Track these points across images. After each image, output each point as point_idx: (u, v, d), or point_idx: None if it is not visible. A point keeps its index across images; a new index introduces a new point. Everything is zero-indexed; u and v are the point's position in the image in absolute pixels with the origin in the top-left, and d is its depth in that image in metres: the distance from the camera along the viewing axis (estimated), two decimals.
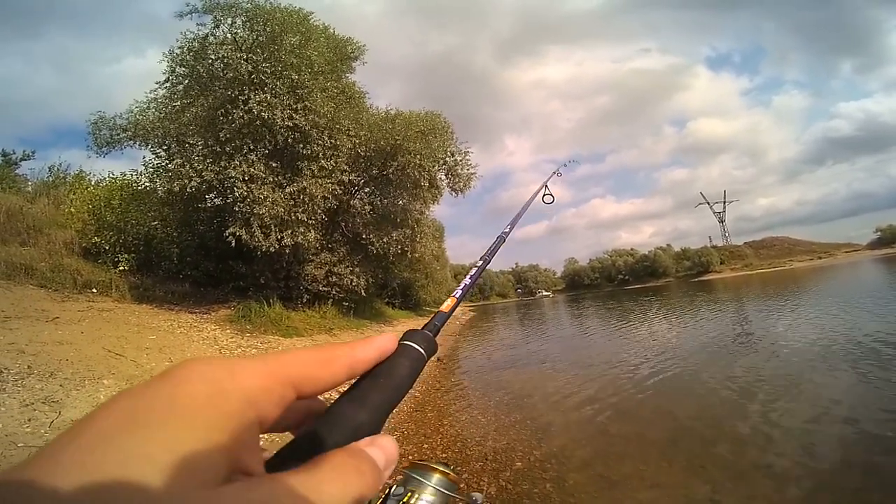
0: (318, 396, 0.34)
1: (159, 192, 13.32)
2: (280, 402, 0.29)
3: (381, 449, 0.30)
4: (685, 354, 8.52)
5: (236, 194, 12.13)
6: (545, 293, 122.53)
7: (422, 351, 0.40)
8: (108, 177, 15.92)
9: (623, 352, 9.86)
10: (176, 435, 0.22)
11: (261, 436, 0.28)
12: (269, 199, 12.30)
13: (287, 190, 12.92)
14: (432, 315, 0.49)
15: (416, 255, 18.12)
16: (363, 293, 16.71)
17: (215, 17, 13.11)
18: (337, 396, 0.35)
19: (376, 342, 0.37)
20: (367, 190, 17.93)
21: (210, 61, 13.11)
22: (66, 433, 0.22)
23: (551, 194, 1.72)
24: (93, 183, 16.33)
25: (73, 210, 13.47)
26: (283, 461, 0.29)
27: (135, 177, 14.90)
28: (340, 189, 14.64)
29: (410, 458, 4.58)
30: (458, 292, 0.59)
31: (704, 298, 25.20)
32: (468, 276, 0.67)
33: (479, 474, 4.02)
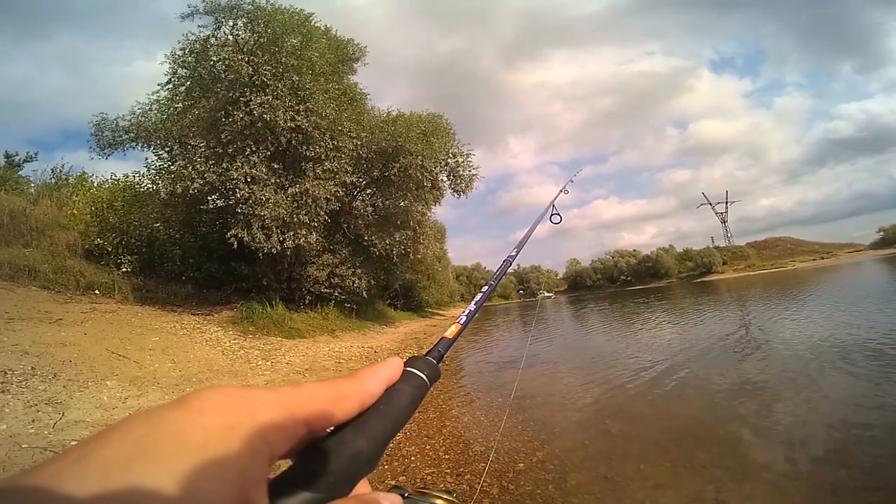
0: None
1: (161, 193, 13.36)
2: (292, 438, 0.29)
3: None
4: (688, 355, 8.50)
5: (238, 196, 12.16)
6: (547, 294, 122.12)
7: (424, 378, 0.40)
8: (111, 178, 16.00)
9: (625, 353, 9.84)
10: (185, 469, 0.22)
11: None
12: (270, 200, 12.33)
13: (289, 191, 12.96)
14: (436, 342, 0.49)
15: (419, 256, 18.15)
16: (365, 294, 16.74)
17: (216, 18, 13.15)
18: None
19: (383, 372, 0.37)
20: (368, 191, 17.96)
21: (211, 63, 13.15)
22: (74, 452, 0.21)
23: (559, 213, 1.69)
24: (95, 184, 16.40)
25: (75, 212, 13.52)
26: (283, 488, 0.29)
27: (137, 178, 14.96)
28: (342, 191, 14.67)
29: (413, 466, 4.60)
30: (463, 318, 0.59)
31: (707, 299, 25.15)
32: (474, 302, 0.67)
33: (481, 475, 4.02)
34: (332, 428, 0.33)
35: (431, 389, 0.41)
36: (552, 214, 1.68)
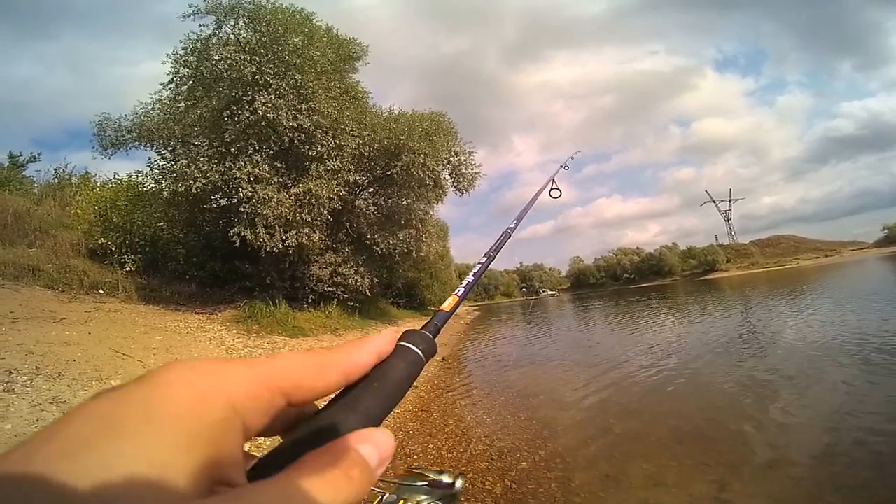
0: None
1: (165, 192, 13.39)
2: (268, 410, 0.27)
3: (375, 446, 0.28)
4: (691, 353, 8.49)
5: (241, 195, 12.17)
6: (550, 292, 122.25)
7: (419, 353, 0.38)
8: (114, 178, 16.03)
9: (628, 351, 9.84)
10: (155, 445, 0.21)
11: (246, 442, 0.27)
12: (273, 199, 12.34)
13: (292, 191, 12.97)
14: (432, 315, 0.47)
15: (421, 254, 18.12)
16: (368, 293, 16.73)
17: (218, 17, 13.16)
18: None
19: (373, 344, 0.34)
20: (371, 190, 17.95)
21: (213, 62, 13.15)
22: (40, 434, 0.21)
23: (558, 188, 1.68)
24: (98, 184, 16.44)
25: (79, 211, 13.55)
26: (267, 468, 0.27)
27: (140, 178, 14.99)
28: (345, 189, 14.67)
29: (409, 462, 4.61)
30: (461, 290, 0.57)
31: (711, 297, 25.11)
32: (472, 274, 0.65)
33: (485, 474, 4.03)
34: (322, 406, 0.32)
35: (434, 362, 0.39)
36: (551, 189, 1.66)
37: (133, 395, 0.23)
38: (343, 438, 0.28)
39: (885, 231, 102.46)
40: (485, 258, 0.72)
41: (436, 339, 0.42)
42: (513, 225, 1.02)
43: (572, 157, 2.22)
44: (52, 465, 0.19)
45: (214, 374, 0.26)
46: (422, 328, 0.42)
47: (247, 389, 0.26)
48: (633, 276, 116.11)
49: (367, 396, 0.32)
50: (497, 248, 0.82)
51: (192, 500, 0.21)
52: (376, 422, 0.31)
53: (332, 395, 0.32)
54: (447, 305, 0.51)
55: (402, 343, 0.38)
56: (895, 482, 3.16)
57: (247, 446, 0.28)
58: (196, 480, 0.21)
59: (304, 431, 0.30)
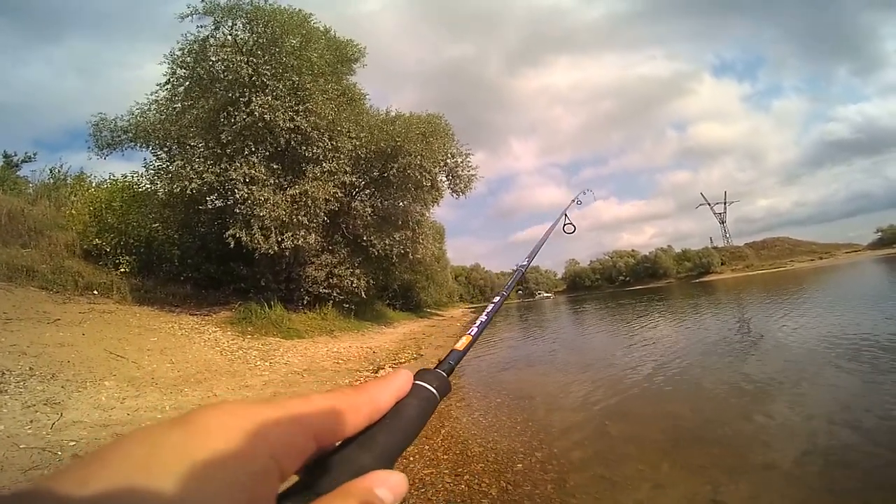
0: None
1: (160, 193, 13.37)
2: (302, 455, 0.28)
3: (391, 489, 0.29)
4: (686, 355, 8.51)
5: (237, 196, 12.16)
6: (546, 294, 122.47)
7: (434, 391, 0.39)
8: (109, 178, 15.98)
9: (624, 353, 9.85)
10: (192, 491, 0.21)
11: None
12: (269, 201, 12.33)
13: (288, 192, 12.96)
14: (446, 354, 0.49)
15: (417, 256, 18.14)
16: (364, 295, 16.73)
17: (216, 18, 13.14)
18: None
19: (394, 385, 0.36)
20: (367, 192, 17.95)
21: (210, 63, 13.15)
22: (73, 472, 0.20)
23: (572, 223, 1.66)
24: (93, 185, 16.39)
25: (74, 212, 13.51)
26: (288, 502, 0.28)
27: (135, 178, 14.95)
28: (341, 191, 14.67)
29: (411, 467, 4.60)
30: (474, 330, 0.59)
31: (705, 299, 25.19)
32: (485, 313, 0.67)
33: (481, 476, 4.02)
34: (339, 442, 0.33)
35: (441, 403, 0.41)
36: (565, 224, 1.66)
37: (170, 438, 0.23)
38: (362, 479, 0.29)
39: (879, 233, 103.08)
40: (497, 297, 0.75)
41: (450, 378, 0.44)
42: (525, 263, 1.07)
43: (584, 193, 2.20)
44: None
45: (254, 422, 0.26)
46: (436, 367, 0.44)
47: (286, 439, 0.27)
48: (628, 278, 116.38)
49: (382, 434, 0.33)
50: (510, 287, 0.86)
51: None
52: (391, 460, 0.33)
53: None
54: (461, 345, 0.53)
55: (418, 382, 0.39)
56: (891, 484, 3.17)
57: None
58: None
59: (322, 469, 0.30)
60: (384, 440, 0.33)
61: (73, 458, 3.71)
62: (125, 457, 0.21)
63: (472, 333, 0.57)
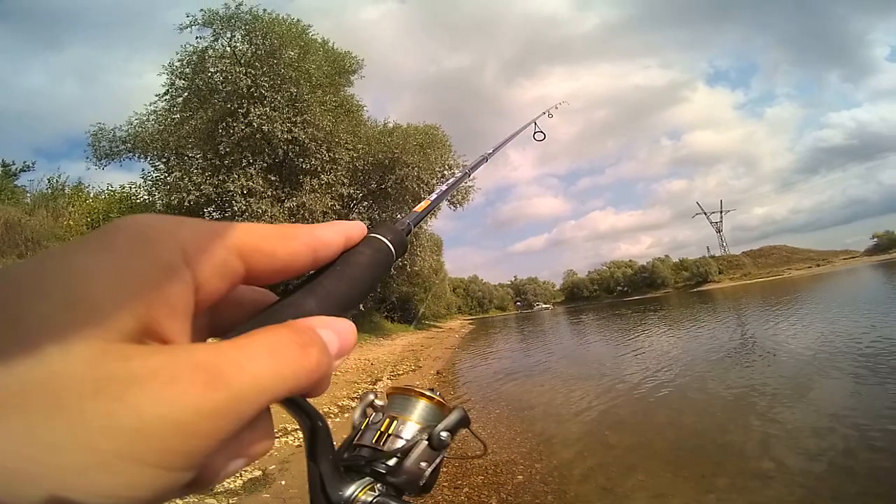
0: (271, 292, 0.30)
1: (158, 205, 13.38)
2: (224, 271, 0.24)
3: (337, 333, 0.25)
4: (685, 365, 8.49)
5: (235, 208, 12.16)
6: (544, 306, 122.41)
7: (388, 243, 0.35)
8: (107, 189, 15.98)
9: (623, 363, 9.83)
10: (83, 277, 0.19)
11: None
12: (267, 213, 12.33)
13: (286, 205, 12.96)
14: (406, 214, 0.48)
15: (415, 268, 18.13)
16: (361, 307, 16.66)
17: (215, 30, 13.24)
18: None
19: (342, 227, 0.31)
20: (365, 204, 17.97)
21: (209, 74, 13.21)
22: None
23: (542, 131, 1.68)
24: (91, 195, 16.38)
25: (71, 223, 13.48)
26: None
27: (133, 189, 14.95)
28: (339, 203, 14.68)
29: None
30: (433, 196, 0.58)
31: (704, 309, 25.18)
32: (446, 184, 0.67)
33: (480, 488, 3.98)
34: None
35: (397, 261, 0.37)
36: (535, 132, 1.66)
37: (89, 236, 0.21)
38: (302, 319, 0.25)
39: (875, 240, 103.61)
40: (460, 172, 0.76)
41: (408, 238, 0.39)
42: (490, 151, 1.07)
43: (556, 107, 2.19)
44: None
45: (171, 222, 0.23)
46: (394, 224, 0.39)
47: (200, 240, 0.23)
48: (626, 288, 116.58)
49: (330, 281, 0.30)
50: (473, 168, 0.91)
51: (112, 339, 0.18)
52: (341, 308, 0.29)
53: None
54: (420, 207, 0.52)
55: (372, 234, 0.35)
56: (890, 490, 3.15)
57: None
58: (120, 322, 0.19)
59: (261, 314, 0.27)
60: (332, 286, 0.30)
61: None
62: (45, 255, 0.20)
63: (431, 199, 0.57)
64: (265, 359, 0.20)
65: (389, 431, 0.46)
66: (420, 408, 0.49)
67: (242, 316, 0.27)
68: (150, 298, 0.20)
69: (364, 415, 0.48)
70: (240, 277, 0.25)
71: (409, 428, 0.47)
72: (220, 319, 0.27)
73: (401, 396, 0.50)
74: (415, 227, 0.44)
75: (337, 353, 0.25)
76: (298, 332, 0.23)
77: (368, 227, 0.35)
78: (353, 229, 0.32)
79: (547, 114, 1.93)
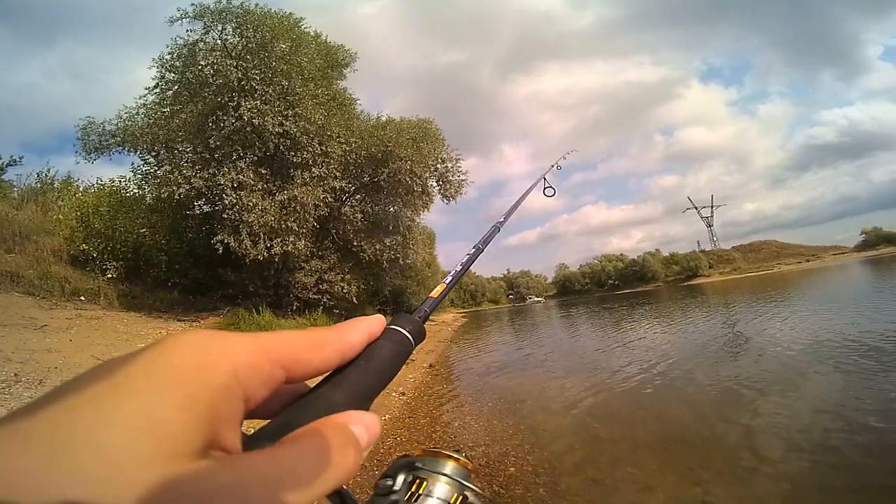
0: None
1: (148, 198, 13.27)
2: (268, 381, 0.28)
3: (366, 427, 0.29)
4: (674, 358, 8.57)
5: (225, 202, 12.08)
6: (536, 299, 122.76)
7: (407, 335, 0.38)
8: (97, 183, 15.82)
9: (614, 356, 9.91)
10: (154, 402, 0.22)
11: (244, 421, 0.28)
12: (258, 206, 12.26)
13: (277, 198, 12.89)
14: (422, 301, 0.48)
15: (408, 261, 18.13)
16: (354, 300, 16.65)
17: (205, 22, 13.09)
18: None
19: (364, 325, 0.35)
20: (358, 197, 17.91)
21: (200, 67, 13.08)
22: (47, 393, 0.22)
23: (552, 186, 1.62)
24: (81, 189, 16.22)
25: (60, 217, 13.34)
26: (258, 442, 0.28)
27: (123, 183, 14.81)
28: (331, 196, 14.62)
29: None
30: (449, 279, 0.59)
31: (693, 302, 25.38)
32: (459, 264, 0.67)
33: (472, 480, 4.02)
34: (314, 386, 0.33)
35: (416, 349, 0.40)
36: (545, 187, 1.61)
37: (139, 358, 0.24)
38: (336, 416, 0.29)
39: (864, 236, 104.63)
40: (473, 249, 0.74)
41: (425, 325, 0.42)
42: (501, 220, 1.04)
43: (564, 157, 2.17)
44: (55, 418, 0.20)
45: (220, 343, 0.26)
46: (412, 313, 0.42)
47: (250, 359, 0.27)
48: (617, 282, 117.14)
49: (356, 374, 0.33)
50: (485, 241, 0.84)
51: (185, 459, 0.21)
52: (365, 399, 0.33)
53: (324, 375, 0.33)
54: (435, 292, 0.52)
55: (392, 326, 0.38)
56: (877, 484, 3.21)
57: (246, 424, 0.28)
58: (191, 441, 0.22)
59: (295, 406, 0.31)
60: (356, 379, 0.33)
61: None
62: (97, 376, 0.22)
63: (447, 282, 0.57)
64: (315, 466, 0.24)
65: (420, 492, 0.50)
66: (449, 469, 0.53)
67: (276, 402, 0.31)
68: (213, 418, 0.23)
69: (402, 479, 0.52)
70: (281, 383, 0.29)
71: (439, 489, 0.51)
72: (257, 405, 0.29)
73: (430, 458, 0.53)
74: (431, 312, 0.47)
75: (366, 445, 0.28)
76: (337, 434, 0.27)
77: (388, 320, 0.39)
78: (375, 325, 0.36)
79: (556, 166, 1.89)
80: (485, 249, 0.80)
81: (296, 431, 0.27)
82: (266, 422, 0.30)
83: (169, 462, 0.20)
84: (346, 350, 0.33)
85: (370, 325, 0.36)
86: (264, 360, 0.27)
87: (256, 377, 0.27)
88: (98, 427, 0.20)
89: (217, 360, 0.25)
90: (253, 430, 0.30)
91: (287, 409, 0.31)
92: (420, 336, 0.40)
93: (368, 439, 0.29)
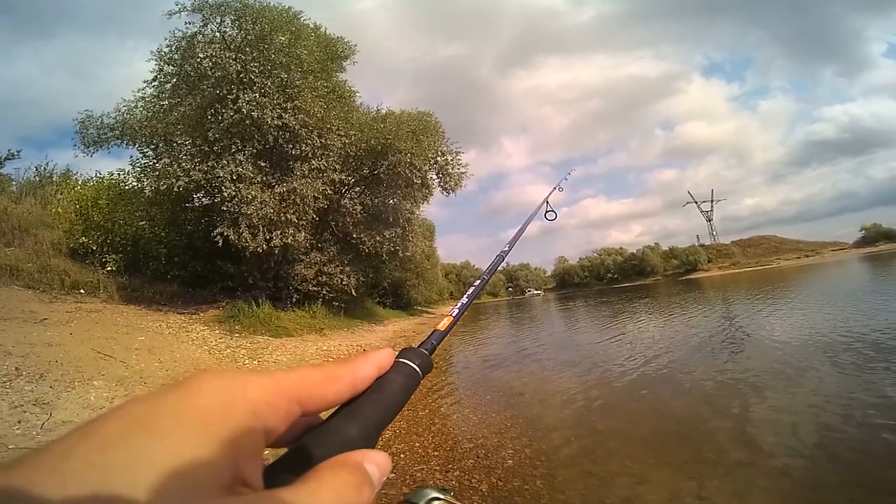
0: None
1: (147, 191, 13.29)
2: (286, 417, 0.30)
3: (377, 465, 0.31)
4: (672, 352, 8.60)
5: (224, 194, 12.08)
6: (536, 292, 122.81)
7: (416, 368, 0.41)
8: (96, 176, 15.80)
9: (612, 350, 9.94)
10: (183, 442, 0.24)
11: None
12: (257, 199, 12.26)
13: (276, 190, 12.89)
14: (429, 334, 0.50)
15: (408, 254, 18.15)
16: (354, 293, 16.70)
17: (204, 15, 13.04)
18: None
19: (375, 359, 0.38)
20: (357, 189, 17.91)
21: (198, 60, 13.04)
22: (75, 431, 0.23)
23: (553, 210, 1.65)
24: (80, 182, 16.20)
25: (60, 210, 13.35)
26: (277, 473, 0.30)
27: (122, 176, 14.80)
28: (330, 189, 14.62)
29: (402, 464, 4.64)
30: (455, 311, 0.61)
31: (692, 297, 25.42)
32: (466, 296, 0.67)
33: (471, 472, 4.06)
34: (325, 417, 0.35)
35: (423, 380, 0.43)
36: (546, 211, 1.64)
37: (166, 398, 0.26)
38: (352, 454, 0.31)
39: (863, 232, 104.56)
40: (478, 281, 0.74)
41: (432, 356, 0.45)
42: (506, 249, 1.06)
43: (566, 178, 2.16)
44: (89, 458, 0.22)
45: (241, 383, 0.29)
46: (419, 346, 0.45)
47: (268, 398, 0.29)
48: (616, 275, 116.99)
49: (367, 406, 0.36)
50: (490, 272, 0.85)
51: (214, 497, 0.23)
52: (376, 431, 0.35)
53: (337, 407, 0.36)
54: (442, 325, 0.54)
55: (401, 359, 0.41)
56: (871, 479, 3.25)
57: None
58: (218, 478, 0.24)
59: (311, 439, 0.33)
60: (368, 412, 0.35)
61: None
62: (126, 413, 0.24)
63: (454, 315, 0.59)
64: (333, 500, 0.27)
65: None
66: None
67: (291, 432, 0.33)
68: (237, 455, 0.25)
69: None
70: (296, 417, 0.31)
71: None
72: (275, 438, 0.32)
73: (418, 494, 0.57)
74: (438, 344, 0.49)
75: (377, 482, 0.31)
76: (353, 472, 0.29)
77: (398, 354, 0.42)
78: (385, 358, 0.39)
79: (558, 188, 1.90)
80: (489, 279, 0.81)
81: (315, 468, 0.29)
82: (281, 450, 0.33)
83: (200, 500, 0.22)
84: (358, 384, 0.36)
85: (380, 359, 0.39)
86: (281, 398, 0.30)
87: (275, 414, 0.29)
88: (132, 467, 0.22)
89: (239, 400, 0.27)
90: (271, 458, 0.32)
91: (303, 440, 0.33)
92: (427, 369, 0.43)
93: (380, 477, 0.31)
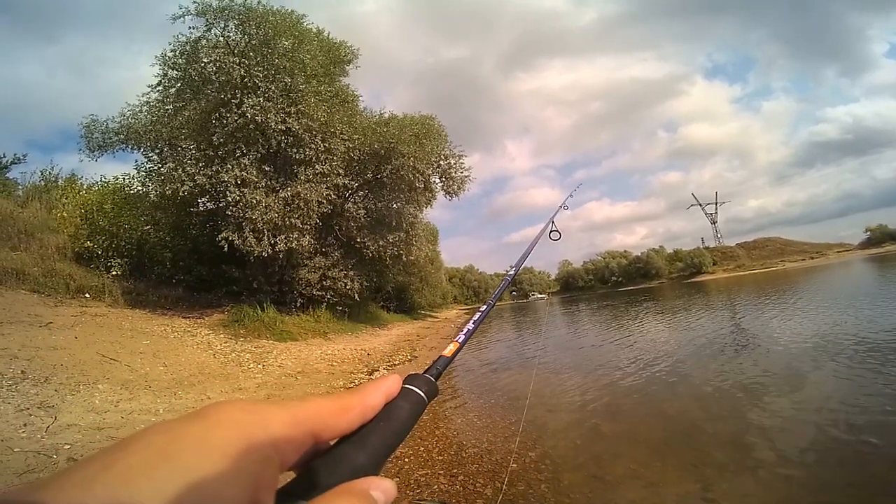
0: None
1: (151, 196, 13.35)
2: (300, 449, 0.32)
3: (383, 492, 0.32)
4: (678, 355, 8.56)
5: (229, 198, 12.13)
6: (539, 295, 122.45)
7: (422, 395, 0.42)
8: (101, 180, 15.89)
9: (616, 353, 9.90)
10: (206, 476, 0.24)
11: None
12: (262, 203, 12.30)
13: (280, 195, 12.93)
14: (434, 360, 0.51)
15: (411, 258, 18.15)
16: (357, 297, 16.69)
17: (208, 20, 13.11)
18: None
19: (384, 386, 0.40)
20: (361, 193, 17.95)
21: (202, 65, 13.11)
22: (99, 459, 0.24)
23: (558, 231, 1.66)
24: (85, 187, 16.28)
25: (65, 214, 13.41)
26: (288, 499, 0.31)
27: (127, 181, 14.88)
28: (334, 193, 14.65)
29: (406, 468, 4.61)
30: (461, 337, 0.61)
31: (697, 300, 25.32)
32: (472, 321, 0.67)
33: (475, 476, 4.04)
34: (333, 442, 0.36)
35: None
36: (551, 231, 1.64)
37: (188, 429, 0.27)
38: (360, 481, 0.33)
39: (868, 233, 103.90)
40: (484, 306, 0.75)
41: (437, 382, 0.46)
42: (511, 272, 1.08)
43: (571, 196, 2.15)
44: (112, 489, 0.22)
45: (259, 417, 0.30)
46: (424, 372, 0.46)
47: (286, 432, 0.31)
48: (620, 278, 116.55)
49: (375, 435, 0.37)
50: (497, 295, 0.86)
51: None
52: (383, 458, 0.36)
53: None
54: (448, 351, 0.55)
55: (407, 386, 0.42)
56: (879, 480, 3.22)
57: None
58: None
59: (321, 465, 0.34)
60: (376, 440, 0.36)
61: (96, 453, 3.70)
62: (147, 444, 0.25)
63: (460, 340, 0.59)
64: None
65: None
66: None
67: (301, 457, 0.34)
68: (255, 486, 0.27)
69: None
70: (310, 446, 0.33)
71: None
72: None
73: None
74: (443, 370, 0.50)
75: None
76: (360, 499, 0.30)
77: (404, 380, 0.43)
78: (392, 386, 0.41)
79: (563, 206, 1.89)
80: (494, 304, 0.81)
81: (324, 495, 0.30)
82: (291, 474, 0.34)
83: None
84: (367, 412, 0.37)
85: (388, 387, 0.40)
86: (297, 430, 0.32)
87: (290, 446, 0.31)
88: (155, 501, 0.22)
89: (261, 434, 0.29)
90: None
91: (313, 464, 0.34)
92: (433, 395, 0.44)
93: (385, 502, 0.32)
